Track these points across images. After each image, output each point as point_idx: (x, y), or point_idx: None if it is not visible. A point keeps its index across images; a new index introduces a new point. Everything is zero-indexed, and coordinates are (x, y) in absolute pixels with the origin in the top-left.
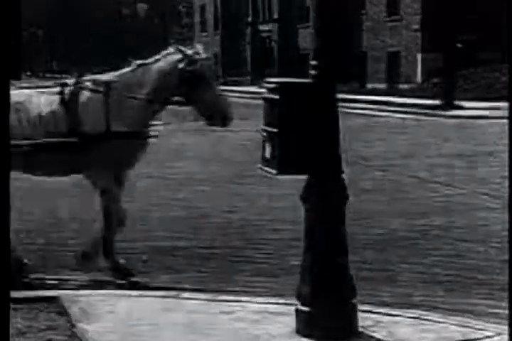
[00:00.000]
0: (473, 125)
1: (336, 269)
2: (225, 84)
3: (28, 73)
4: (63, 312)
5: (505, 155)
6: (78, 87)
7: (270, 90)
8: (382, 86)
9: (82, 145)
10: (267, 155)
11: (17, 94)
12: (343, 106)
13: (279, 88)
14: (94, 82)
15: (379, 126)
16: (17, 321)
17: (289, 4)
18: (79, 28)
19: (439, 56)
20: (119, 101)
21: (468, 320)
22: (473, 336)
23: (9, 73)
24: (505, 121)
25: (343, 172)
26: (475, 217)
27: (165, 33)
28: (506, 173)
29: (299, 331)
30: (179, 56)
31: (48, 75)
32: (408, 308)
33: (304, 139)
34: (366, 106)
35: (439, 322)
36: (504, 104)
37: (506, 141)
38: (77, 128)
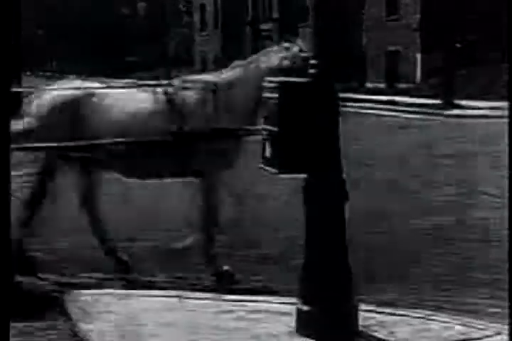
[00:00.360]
0: (473, 124)
1: (336, 268)
2: None
3: (28, 73)
4: (63, 312)
5: (505, 155)
6: (182, 87)
7: (270, 89)
8: (382, 85)
9: (190, 145)
10: (267, 154)
11: (121, 93)
12: (342, 106)
13: (279, 87)
14: (198, 82)
15: (378, 125)
16: (17, 321)
17: (289, 3)
18: (79, 28)
19: (439, 56)
20: (225, 101)
21: (470, 319)
22: (474, 335)
23: (10, 73)
24: (505, 120)
25: (343, 171)
26: (475, 216)
27: (164, 32)
28: (506, 173)
29: (299, 330)
30: (282, 54)
31: (47, 74)
32: (409, 308)
33: (304, 138)
34: (365, 106)
35: (440, 322)
36: (504, 104)
37: (506, 140)
38: (183, 127)
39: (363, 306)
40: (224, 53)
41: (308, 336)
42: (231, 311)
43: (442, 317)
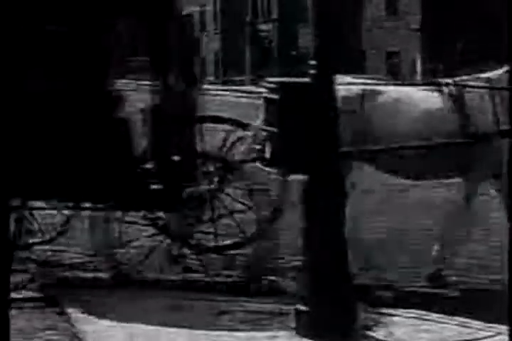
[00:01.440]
0: None
1: (335, 269)
2: (225, 83)
3: None
4: (63, 312)
5: None
6: (461, 85)
7: (270, 90)
8: None
9: (471, 146)
10: (267, 154)
11: (400, 92)
12: None
13: (279, 88)
14: (480, 79)
15: None
16: (17, 321)
17: (289, 4)
18: None
19: (439, 55)
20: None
21: (468, 320)
22: (473, 336)
23: None
24: None
25: (342, 171)
26: (475, 216)
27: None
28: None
29: (299, 331)
30: None
31: None
32: (408, 308)
33: (304, 139)
34: None
35: (439, 322)
36: None
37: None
38: (466, 127)
39: (362, 306)
40: (223, 54)
41: (308, 336)
42: (231, 312)
43: (442, 317)
